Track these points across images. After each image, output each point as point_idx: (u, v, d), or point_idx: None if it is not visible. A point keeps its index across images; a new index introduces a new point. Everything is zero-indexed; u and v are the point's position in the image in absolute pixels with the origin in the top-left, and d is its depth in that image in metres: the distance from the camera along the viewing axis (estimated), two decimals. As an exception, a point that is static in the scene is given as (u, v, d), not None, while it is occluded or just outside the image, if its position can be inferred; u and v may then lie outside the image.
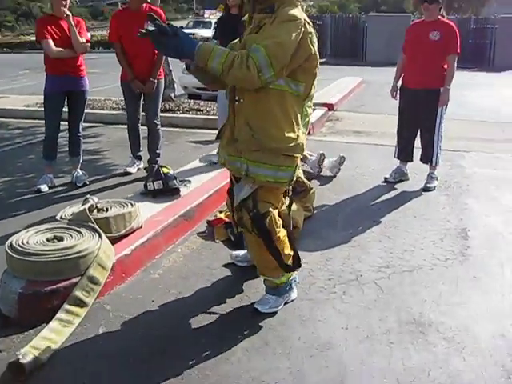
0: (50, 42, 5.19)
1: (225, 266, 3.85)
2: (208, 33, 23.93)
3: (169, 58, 9.98)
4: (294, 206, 4.30)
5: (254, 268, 3.37)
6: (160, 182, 4.70)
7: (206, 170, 5.65)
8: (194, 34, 26.67)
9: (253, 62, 2.66)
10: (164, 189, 4.71)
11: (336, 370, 2.67)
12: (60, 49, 5.23)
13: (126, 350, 2.86)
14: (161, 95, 5.96)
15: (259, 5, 2.91)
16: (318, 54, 2.92)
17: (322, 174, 5.95)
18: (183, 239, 4.30)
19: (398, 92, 5.77)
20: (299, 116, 2.95)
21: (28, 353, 2.71)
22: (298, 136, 2.93)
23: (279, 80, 2.80)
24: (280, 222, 3.12)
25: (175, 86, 10.39)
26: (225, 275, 3.73)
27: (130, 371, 2.69)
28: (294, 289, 3.35)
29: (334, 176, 5.96)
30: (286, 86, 2.85)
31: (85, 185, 5.63)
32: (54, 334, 2.93)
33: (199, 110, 9.16)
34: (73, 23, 5.26)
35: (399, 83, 5.79)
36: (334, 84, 13.13)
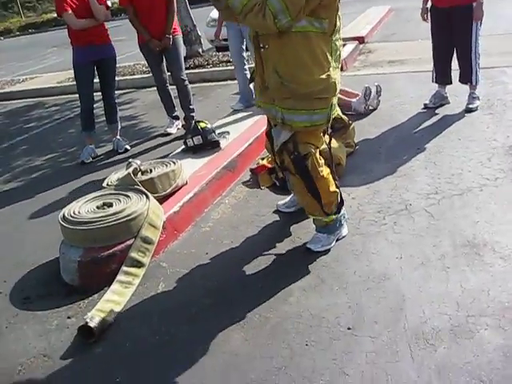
0: (71, 13, 5.21)
1: (273, 212, 3.86)
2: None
3: (191, 14, 9.90)
4: (336, 143, 4.29)
5: (302, 211, 3.39)
6: (199, 137, 4.72)
7: (243, 119, 5.64)
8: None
9: (268, 9, 2.65)
10: (204, 143, 4.73)
11: (394, 300, 2.69)
12: (82, 20, 5.24)
13: (186, 304, 2.94)
14: (181, 51, 5.94)
15: None
16: None
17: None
18: (229, 190, 4.33)
19: (429, 14, 5.56)
20: (328, 54, 2.87)
21: (95, 316, 2.83)
22: (328, 76, 2.87)
23: (301, 21, 2.73)
24: (322, 161, 3.11)
25: (202, 40, 10.30)
26: (274, 220, 3.75)
27: (193, 323, 2.78)
28: (344, 225, 3.36)
29: (375, 108, 5.85)
30: (309, 25, 2.76)
31: (126, 150, 5.72)
32: (116, 296, 3.05)
33: (229, 62, 9.06)
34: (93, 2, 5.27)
35: (429, 4, 5.57)
36: (362, 16, 12.74)
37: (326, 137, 3.26)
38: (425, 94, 5.84)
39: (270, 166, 4.24)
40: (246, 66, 6.27)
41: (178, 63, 5.86)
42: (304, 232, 3.48)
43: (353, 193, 3.92)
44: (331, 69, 2.89)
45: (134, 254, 3.27)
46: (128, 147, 5.77)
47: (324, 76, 2.85)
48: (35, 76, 12.47)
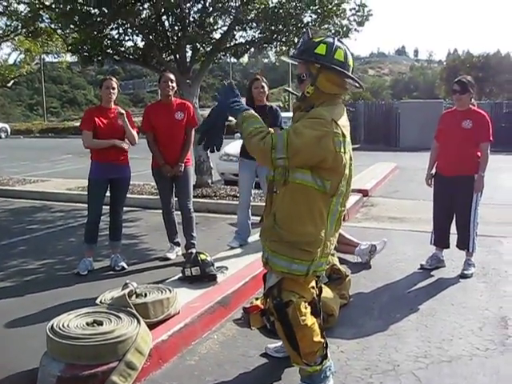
0: (89, 133, 5.57)
1: (261, 355, 3.82)
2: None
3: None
4: (330, 294, 4.34)
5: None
6: (197, 268, 4.78)
7: (242, 256, 5.72)
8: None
9: (271, 140, 2.87)
10: (201, 275, 4.78)
11: None
12: (96, 140, 5.58)
13: None
14: (191, 181, 6.20)
15: (303, 104, 3.13)
16: (344, 153, 2.97)
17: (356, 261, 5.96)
18: (219, 326, 4.31)
19: (433, 179, 5.85)
20: (325, 213, 3.02)
21: None
22: (318, 232, 3.01)
23: (305, 176, 2.94)
24: (306, 311, 3.14)
25: (212, 172, 10.68)
26: (261, 363, 3.71)
27: None
28: (329, 378, 3.30)
29: (366, 263, 5.95)
30: (312, 182, 2.95)
31: (123, 269, 5.74)
32: (90, 420, 2.95)
33: (235, 196, 9.32)
34: (126, 120, 5.63)
35: (433, 170, 5.87)
36: (368, 170, 13.28)
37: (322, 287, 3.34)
38: (422, 254, 5.98)
39: (262, 307, 4.25)
40: (250, 208, 6.44)
41: (186, 192, 6.08)
42: (290, 379, 3.43)
43: (342, 346, 3.91)
44: (323, 229, 3.03)
45: (115, 378, 3.20)
46: (125, 266, 5.80)
47: (313, 231, 3.00)
48: (46, 179, 12.78)
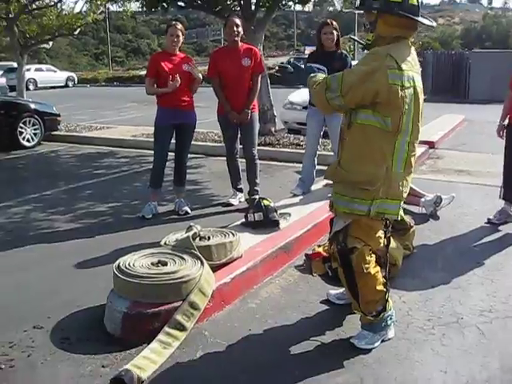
0: (151, 80, 5.66)
1: (322, 301, 3.83)
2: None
3: (271, 94, 10.27)
4: (394, 244, 4.26)
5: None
6: (261, 213, 4.80)
7: (305, 204, 5.70)
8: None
9: (325, 82, 3.01)
10: (264, 220, 4.79)
11: (434, 414, 2.60)
12: (154, 88, 5.67)
13: (222, 376, 2.93)
14: (256, 127, 6.14)
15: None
16: (403, 87, 2.90)
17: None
18: (281, 271, 4.34)
19: (505, 130, 5.59)
20: (388, 153, 2.97)
21: (129, 370, 2.85)
22: (378, 171, 2.97)
23: (365, 115, 2.96)
24: (370, 258, 3.15)
25: (276, 120, 10.61)
26: (322, 309, 3.72)
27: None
28: (390, 327, 3.29)
29: (431, 215, 5.82)
30: (374, 120, 2.94)
31: (187, 213, 5.84)
32: (154, 355, 3.05)
33: (299, 145, 9.26)
34: (195, 73, 5.70)
35: (506, 121, 5.61)
36: (435, 121, 12.86)
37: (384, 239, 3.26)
38: (490, 209, 5.78)
39: (325, 254, 4.25)
40: (316, 157, 6.35)
41: (251, 139, 6.05)
42: (350, 326, 3.43)
43: (404, 296, 3.87)
44: (384, 167, 2.98)
45: (178, 317, 3.29)
46: (189, 210, 5.88)
47: (372, 170, 2.97)
48: (112, 126, 13.05)
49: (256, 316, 3.60)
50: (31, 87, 29.57)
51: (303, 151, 7.04)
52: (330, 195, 3.33)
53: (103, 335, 3.33)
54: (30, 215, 5.97)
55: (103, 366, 3.01)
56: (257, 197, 5.11)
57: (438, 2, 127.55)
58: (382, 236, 3.22)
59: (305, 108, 9.49)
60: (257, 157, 6.12)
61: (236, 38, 5.76)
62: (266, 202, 4.88)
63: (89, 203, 6.41)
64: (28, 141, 10.59)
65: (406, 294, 3.89)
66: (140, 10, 12.62)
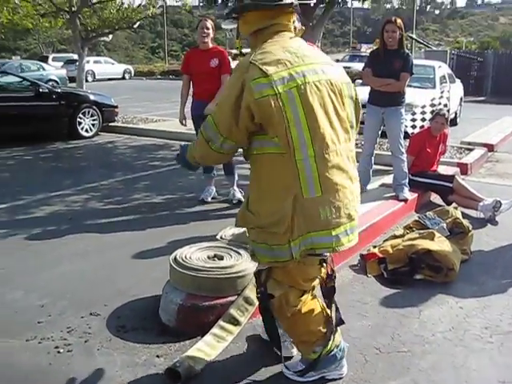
0: (184, 77, 6.16)
1: (378, 300, 3.79)
2: (363, 67, 23.98)
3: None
4: (451, 248, 4.20)
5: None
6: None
7: (361, 204, 5.61)
8: (349, 68, 26.92)
9: (201, 136, 2.57)
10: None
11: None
12: (181, 99, 6.25)
13: (271, 371, 2.93)
14: None
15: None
16: (274, 95, 2.35)
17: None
18: (336, 270, 4.29)
19: None
20: (291, 177, 2.41)
21: (184, 362, 2.88)
22: (283, 205, 2.42)
23: (262, 142, 2.46)
24: (301, 299, 2.72)
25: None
26: (377, 310, 3.68)
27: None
28: (339, 364, 2.86)
29: (489, 220, 5.66)
30: (264, 146, 2.47)
31: (240, 201, 5.84)
32: (208, 348, 3.08)
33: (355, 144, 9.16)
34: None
35: None
36: (495, 124, 12.51)
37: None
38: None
39: (380, 255, 4.21)
40: (373, 157, 6.27)
41: None
42: (406, 331, 3.38)
43: (461, 302, 3.78)
44: (294, 197, 2.41)
45: (233, 311, 3.31)
46: (242, 198, 5.87)
47: (277, 206, 2.44)
48: (167, 119, 13.21)
49: (310, 314, 3.58)
50: (89, 79, 30.22)
51: (359, 150, 6.91)
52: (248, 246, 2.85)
53: (158, 325, 3.38)
54: (87, 204, 6.12)
55: (157, 356, 3.05)
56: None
57: (499, 1, 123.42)
58: (319, 272, 2.76)
59: (362, 106, 9.39)
60: None
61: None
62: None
63: (144, 194, 6.52)
64: (86, 131, 10.86)
65: (462, 300, 3.81)
66: (197, 4, 12.74)
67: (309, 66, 2.46)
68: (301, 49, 2.51)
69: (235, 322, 3.29)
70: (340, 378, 2.86)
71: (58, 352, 3.07)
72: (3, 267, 4.28)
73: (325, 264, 2.74)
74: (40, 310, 3.56)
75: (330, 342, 2.77)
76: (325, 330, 2.76)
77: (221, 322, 3.25)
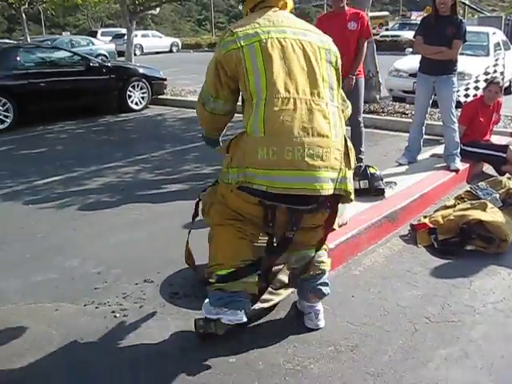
0: None
1: (428, 271, 3.77)
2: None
3: (376, 60, 10.02)
4: (504, 218, 4.12)
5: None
6: (366, 181, 4.72)
7: (411, 174, 5.56)
8: (398, 36, 26.32)
9: (198, 99, 2.87)
10: (369, 188, 4.73)
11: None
12: None
13: (322, 338, 2.97)
14: (361, 93, 6.00)
15: None
16: (237, 48, 2.58)
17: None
18: (385, 240, 4.30)
19: None
20: (245, 120, 2.62)
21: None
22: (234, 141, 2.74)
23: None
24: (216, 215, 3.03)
25: (381, 87, 10.36)
26: (426, 280, 3.66)
27: (327, 361, 2.79)
28: (233, 311, 2.81)
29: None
30: (243, 98, 2.72)
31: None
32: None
33: (404, 114, 9.00)
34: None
35: None
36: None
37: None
38: None
39: (431, 225, 4.17)
40: (424, 126, 6.13)
41: (357, 104, 5.93)
42: (456, 300, 3.36)
43: (513, 273, 3.73)
44: (241, 135, 2.68)
45: (282, 277, 3.35)
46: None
47: (233, 141, 2.75)
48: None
49: (359, 283, 3.61)
50: (137, 52, 30.44)
51: (408, 120, 6.85)
52: None
53: (208, 294, 3.46)
54: (138, 175, 6.24)
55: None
56: (363, 164, 5.03)
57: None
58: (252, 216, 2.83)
59: (412, 75, 9.22)
60: (362, 124, 6.01)
61: (341, 4, 5.68)
62: (371, 170, 4.80)
63: (194, 165, 6.60)
64: (136, 104, 11.02)
65: (514, 271, 3.75)
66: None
67: (278, 27, 2.67)
68: (278, 17, 2.72)
69: (284, 286, 3.33)
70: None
71: (115, 316, 3.19)
72: (59, 236, 4.44)
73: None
74: (96, 277, 3.70)
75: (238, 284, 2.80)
76: (235, 263, 2.84)
77: (270, 289, 3.29)
